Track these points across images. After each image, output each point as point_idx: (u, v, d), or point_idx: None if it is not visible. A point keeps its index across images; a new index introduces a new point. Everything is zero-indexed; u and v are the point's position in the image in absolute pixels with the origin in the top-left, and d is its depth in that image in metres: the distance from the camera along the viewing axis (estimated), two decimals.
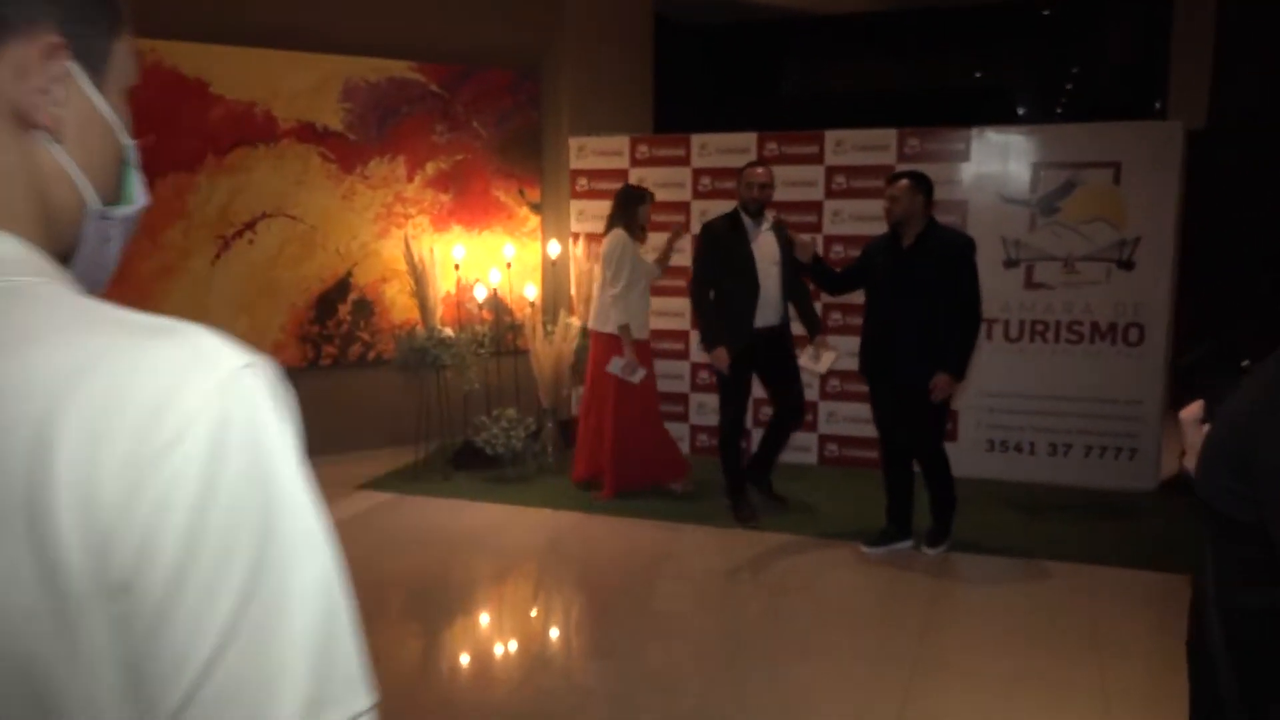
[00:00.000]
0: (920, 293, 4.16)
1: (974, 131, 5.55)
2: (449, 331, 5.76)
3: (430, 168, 6.27)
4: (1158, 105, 7.42)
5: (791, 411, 5.05)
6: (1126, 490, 5.44)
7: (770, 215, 4.88)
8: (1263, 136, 5.32)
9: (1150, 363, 5.37)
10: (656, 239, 5.53)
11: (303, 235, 5.89)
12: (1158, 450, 5.46)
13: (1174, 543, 4.66)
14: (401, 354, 5.68)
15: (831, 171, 5.82)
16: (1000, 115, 5.72)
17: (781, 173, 5.87)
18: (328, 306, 6.01)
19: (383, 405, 6.22)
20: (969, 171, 5.53)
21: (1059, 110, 8.03)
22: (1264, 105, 5.31)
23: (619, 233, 5.21)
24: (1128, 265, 5.35)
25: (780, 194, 5.87)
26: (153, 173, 5.41)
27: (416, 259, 5.70)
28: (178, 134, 5.46)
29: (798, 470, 5.89)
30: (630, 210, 5.22)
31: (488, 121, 6.42)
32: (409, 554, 4.70)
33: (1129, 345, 5.39)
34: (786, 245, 4.74)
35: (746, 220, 4.85)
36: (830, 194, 5.84)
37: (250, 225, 5.73)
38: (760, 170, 4.84)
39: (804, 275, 4.80)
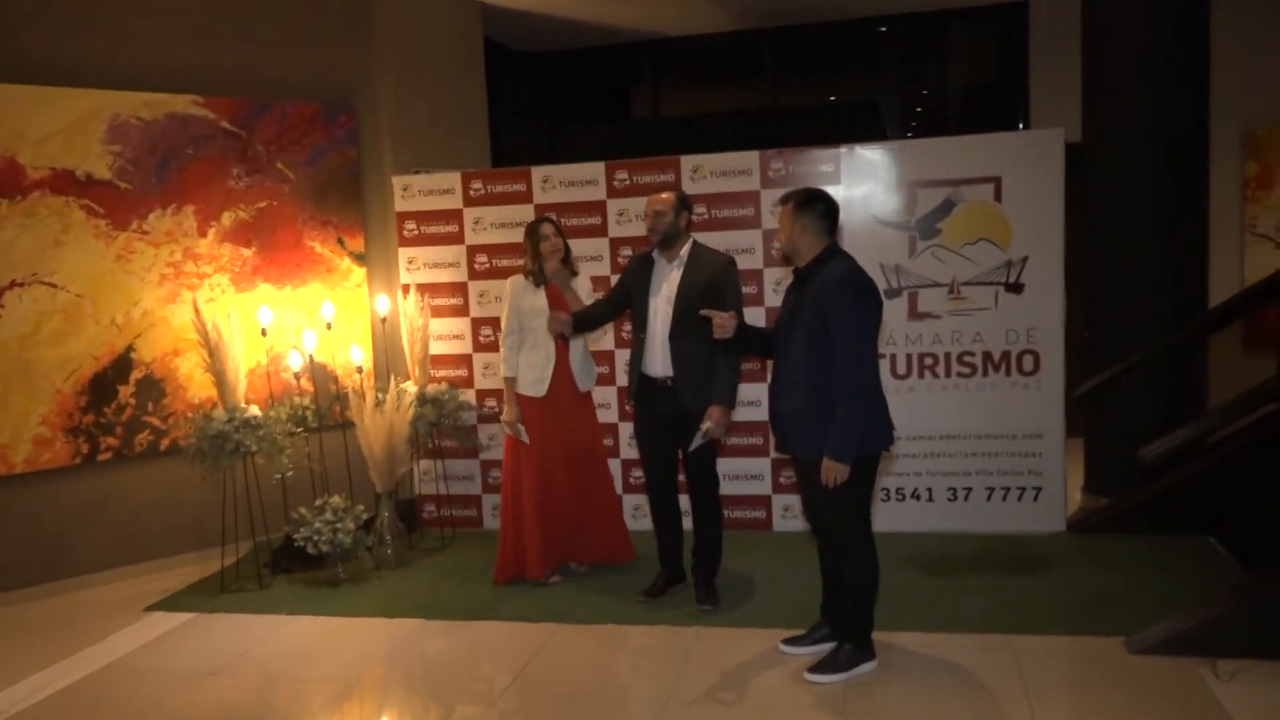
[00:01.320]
0: (797, 339, 3.41)
1: (842, 151, 5.03)
2: (255, 410, 4.83)
3: (227, 218, 5.33)
4: (1020, 125, 7.16)
5: (692, 490, 4.27)
6: (1034, 534, 4.95)
7: (684, 248, 4.12)
8: (1139, 149, 4.98)
9: (1048, 392, 4.91)
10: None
11: (67, 306, 4.86)
12: (1063, 487, 4.99)
13: (1095, 599, 4.14)
14: (195, 442, 4.71)
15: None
16: (864, 136, 5.24)
17: (634, 205, 5.24)
18: (104, 390, 4.98)
19: (181, 503, 5.20)
20: (840, 194, 4.96)
21: (909, 134, 7.68)
22: (1137, 116, 4.97)
23: (511, 278, 4.63)
24: (1016, 288, 4.90)
25: (634, 229, 5.24)
26: None
27: (210, 326, 4.75)
28: None
29: None
30: (529, 247, 4.56)
31: (295, 161, 5.55)
32: (209, 690, 3.73)
33: (1024, 374, 4.93)
34: (698, 291, 3.95)
35: (655, 254, 4.20)
36: (689, 226, 5.19)
37: None
38: (653, 196, 4.15)
39: (734, 353, 3.99)
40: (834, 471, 3.30)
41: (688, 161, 5.20)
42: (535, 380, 4.53)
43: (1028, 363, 4.91)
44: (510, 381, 4.58)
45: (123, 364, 5.03)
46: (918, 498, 5.10)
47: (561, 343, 4.48)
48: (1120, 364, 4.98)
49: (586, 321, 4.36)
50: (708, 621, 4.10)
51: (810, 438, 3.38)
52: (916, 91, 7.91)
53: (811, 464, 3.41)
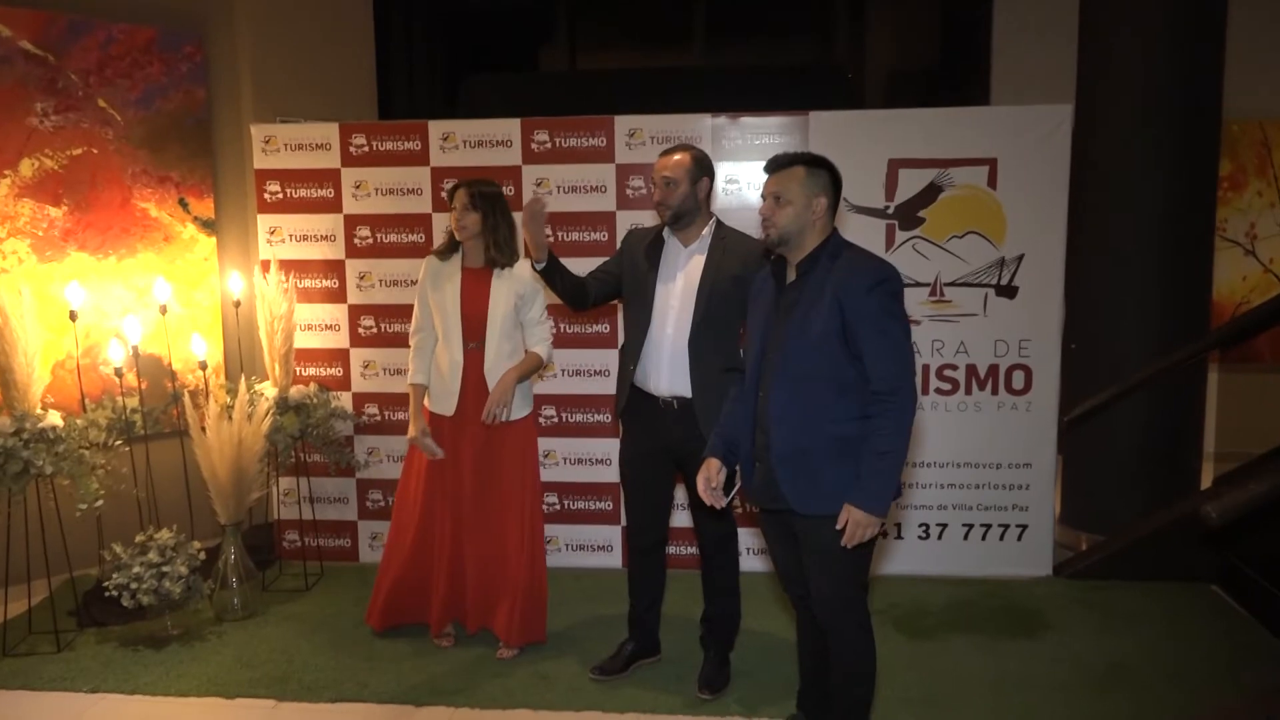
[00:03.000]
0: (799, 355, 2.50)
1: (810, 117, 4.18)
2: (54, 419, 3.68)
3: (27, 167, 4.14)
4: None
5: (707, 543, 3.30)
6: (1017, 578, 4.24)
7: (706, 228, 3.14)
8: (1141, 136, 4.30)
9: (1039, 415, 4.20)
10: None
11: None
12: (1051, 526, 4.30)
13: (1108, 671, 3.42)
14: None
15: (625, 172, 4.27)
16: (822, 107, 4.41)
17: (557, 174, 4.30)
18: None
19: None
20: None
21: (849, 89, 6.85)
22: (1142, 99, 4.29)
23: (428, 256, 3.61)
24: (1009, 291, 4.16)
25: (555, 204, 4.30)
26: None
27: None
28: None
29: (599, 578, 4.28)
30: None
31: (124, 100, 4.38)
32: None
33: (1013, 393, 4.20)
34: (729, 285, 3.03)
35: (666, 234, 3.20)
36: (624, 204, 4.29)
37: None
38: (662, 158, 3.12)
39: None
40: (862, 527, 2.43)
41: (623, 123, 4.27)
42: (441, 394, 3.52)
43: (1018, 380, 4.19)
44: (416, 390, 3.57)
45: None
46: (884, 534, 4.30)
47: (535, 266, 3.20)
48: (1116, 385, 4.31)
49: (569, 283, 3.19)
50: (649, 707, 3.21)
51: (820, 489, 2.49)
52: (855, 59, 7.14)
53: (814, 523, 2.53)
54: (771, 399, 2.55)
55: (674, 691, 3.29)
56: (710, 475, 2.70)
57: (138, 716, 3.22)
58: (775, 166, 2.58)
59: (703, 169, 3.12)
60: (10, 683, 3.44)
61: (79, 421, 3.81)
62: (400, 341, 4.39)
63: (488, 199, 3.45)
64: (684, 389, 3.10)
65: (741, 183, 4.24)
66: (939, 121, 4.14)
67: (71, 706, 3.28)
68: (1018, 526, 4.25)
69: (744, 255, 3.06)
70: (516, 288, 3.45)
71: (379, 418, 4.50)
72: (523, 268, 3.47)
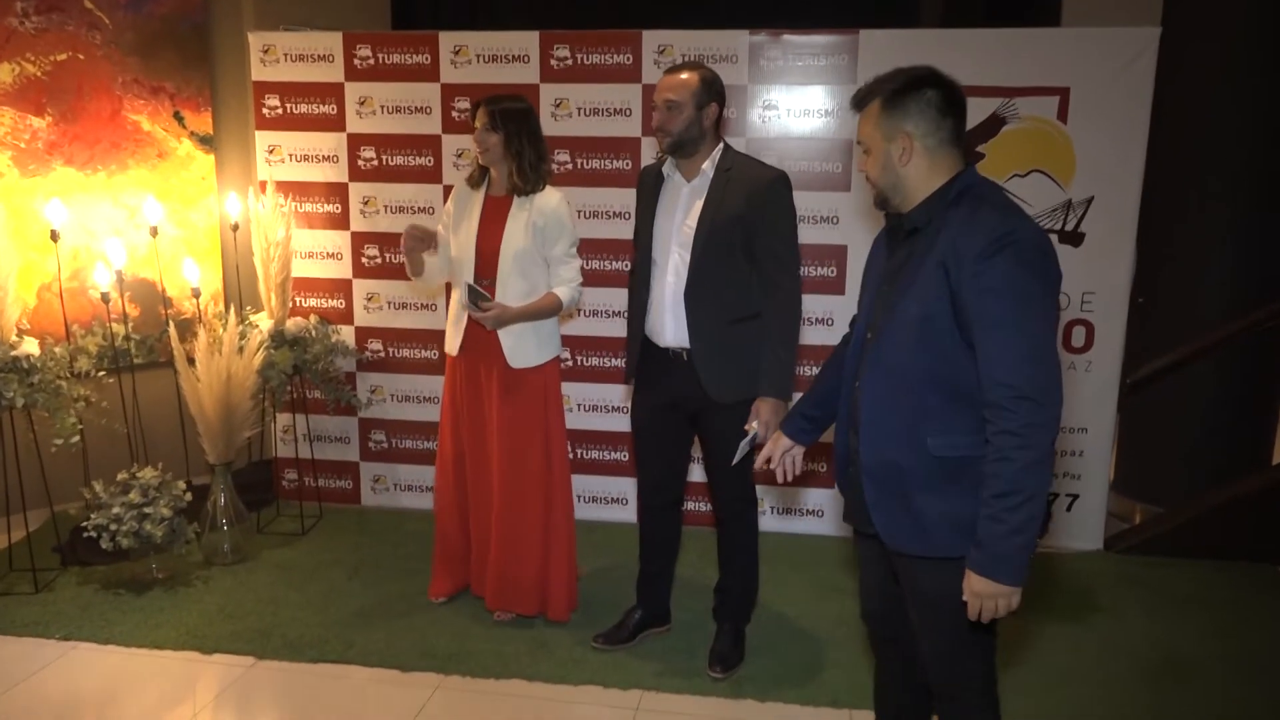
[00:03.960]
0: (891, 346, 1.87)
1: (860, 36, 3.74)
2: (30, 347, 3.43)
3: (7, 72, 3.84)
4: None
5: (722, 507, 2.99)
6: (1064, 552, 3.90)
7: (709, 159, 2.77)
8: (1237, 58, 3.81)
9: (1100, 375, 3.81)
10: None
11: None
12: (1104, 498, 3.94)
13: (1162, 661, 3.09)
14: None
15: (653, 93, 3.86)
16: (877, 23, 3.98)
17: (578, 94, 3.92)
18: None
19: None
20: None
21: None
22: (1240, 13, 3.80)
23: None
24: (1074, 238, 3.74)
25: (575, 126, 3.93)
26: None
27: None
28: None
29: (611, 533, 4.02)
30: None
31: (113, 2, 4.04)
32: None
33: (1072, 351, 3.81)
34: (729, 223, 2.71)
35: (668, 168, 2.86)
36: (651, 129, 3.89)
37: None
38: (666, 77, 2.78)
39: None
40: (989, 599, 1.76)
41: (651, 38, 3.86)
42: (452, 332, 3.19)
43: (1078, 336, 3.80)
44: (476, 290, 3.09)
45: None
46: None
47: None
48: (1186, 345, 3.90)
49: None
50: (653, 684, 2.94)
51: (916, 522, 1.86)
52: None
53: (911, 564, 1.92)
54: (863, 394, 1.93)
55: (683, 667, 3.02)
56: (773, 452, 2.27)
57: (107, 670, 3.02)
58: (855, 104, 1.93)
59: (711, 93, 2.75)
60: None
61: (58, 350, 3.56)
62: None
63: (511, 117, 3.04)
64: (674, 339, 2.81)
65: (780, 109, 3.83)
66: (1005, 44, 3.68)
67: (39, 655, 3.08)
68: (1068, 496, 3.91)
69: (749, 189, 2.70)
70: (535, 218, 3.05)
71: (383, 354, 4.22)
72: (547, 197, 3.08)
